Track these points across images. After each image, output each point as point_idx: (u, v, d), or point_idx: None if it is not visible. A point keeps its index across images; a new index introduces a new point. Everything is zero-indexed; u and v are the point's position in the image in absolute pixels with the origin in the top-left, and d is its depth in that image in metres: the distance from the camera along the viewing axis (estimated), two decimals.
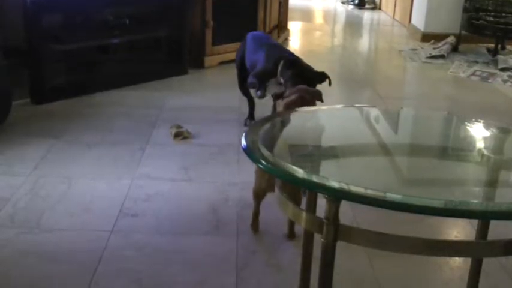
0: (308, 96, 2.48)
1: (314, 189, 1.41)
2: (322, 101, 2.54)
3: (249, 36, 3.54)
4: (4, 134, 3.26)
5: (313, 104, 2.46)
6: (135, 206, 2.61)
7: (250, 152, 1.51)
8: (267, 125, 1.70)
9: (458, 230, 2.54)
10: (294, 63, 2.99)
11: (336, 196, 1.34)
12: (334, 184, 1.34)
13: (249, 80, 3.33)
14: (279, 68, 3.00)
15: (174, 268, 2.20)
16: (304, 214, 1.46)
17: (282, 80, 3.00)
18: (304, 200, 2.01)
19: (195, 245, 2.35)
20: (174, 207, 2.63)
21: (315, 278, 1.87)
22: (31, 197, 2.63)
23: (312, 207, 1.67)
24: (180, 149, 3.23)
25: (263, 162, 1.47)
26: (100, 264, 2.19)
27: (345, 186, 1.33)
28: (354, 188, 1.33)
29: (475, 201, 1.48)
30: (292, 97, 2.44)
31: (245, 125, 3.51)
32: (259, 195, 2.41)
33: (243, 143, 1.57)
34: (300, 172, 1.41)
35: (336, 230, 1.35)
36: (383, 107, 3.57)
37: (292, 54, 3.25)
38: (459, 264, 2.27)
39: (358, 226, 1.45)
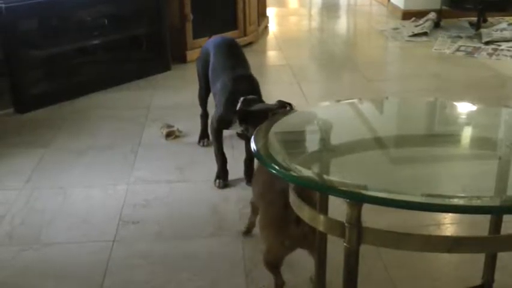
0: None
1: (335, 194, 1.36)
2: None
3: (210, 45, 2.97)
4: None
5: None
6: (135, 212, 2.56)
7: (261, 157, 1.47)
8: (274, 128, 1.64)
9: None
10: (249, 114, 2.50)
11: (359, 200, 1.30)
12: (357, 189, 1.29)
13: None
14: (237, 119, 2.57)
15: (183, 275, 2.16)
16: (322, 217, 1.41)
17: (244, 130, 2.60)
18: None
19: (200, 249, 2.31)
20: (174, 210, 2.58)
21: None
22: (27, 212, 2.55)
23: (324, 209, 1.62)
24: (173, 149, 3.17)
25: (277, 168, 1.42)
26: (106, 277, 2.14)
27: (368, 192, 1.29)
28: (377, 193, 1.29)
29: (496, 197, 1.44)
30: None
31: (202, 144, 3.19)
32: (274, 264, 1.90)
33: (253, 147, 1.52)
34: (320, 177, 1.36)
35: (359, 234, 1.31)
36: (379, 98, 3.48)
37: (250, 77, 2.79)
38: (474, 261, 2.11)
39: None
